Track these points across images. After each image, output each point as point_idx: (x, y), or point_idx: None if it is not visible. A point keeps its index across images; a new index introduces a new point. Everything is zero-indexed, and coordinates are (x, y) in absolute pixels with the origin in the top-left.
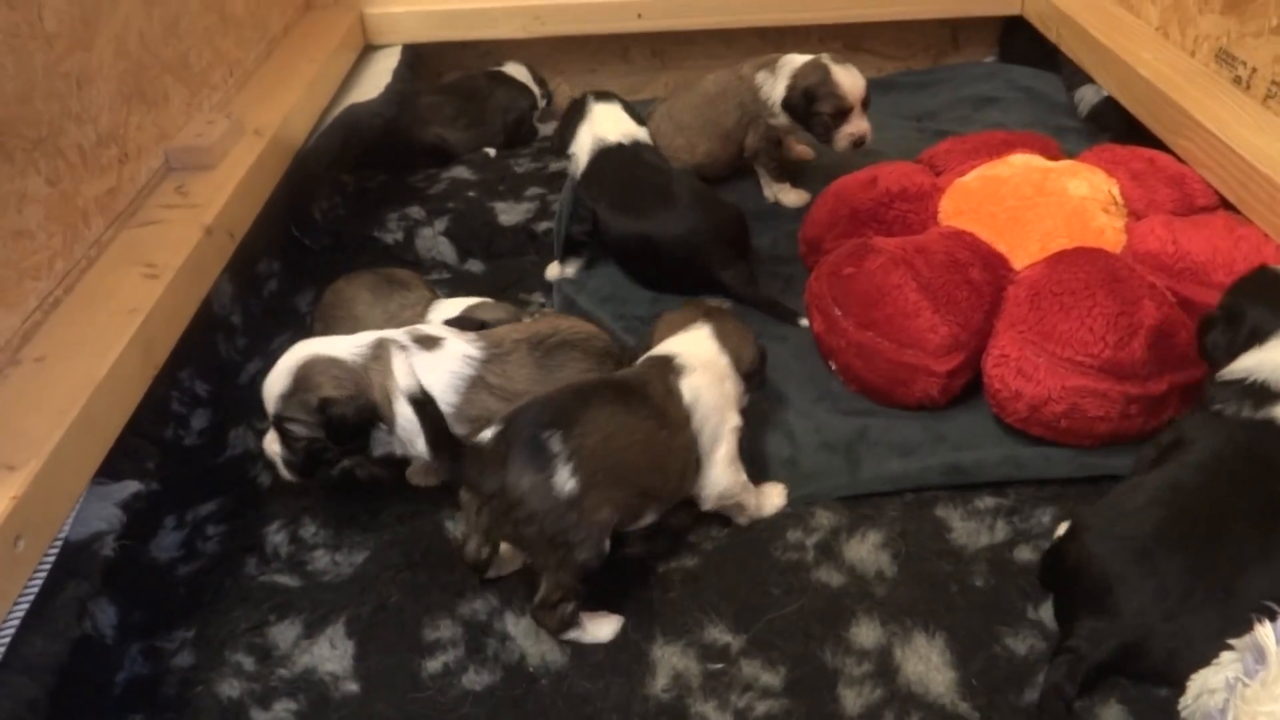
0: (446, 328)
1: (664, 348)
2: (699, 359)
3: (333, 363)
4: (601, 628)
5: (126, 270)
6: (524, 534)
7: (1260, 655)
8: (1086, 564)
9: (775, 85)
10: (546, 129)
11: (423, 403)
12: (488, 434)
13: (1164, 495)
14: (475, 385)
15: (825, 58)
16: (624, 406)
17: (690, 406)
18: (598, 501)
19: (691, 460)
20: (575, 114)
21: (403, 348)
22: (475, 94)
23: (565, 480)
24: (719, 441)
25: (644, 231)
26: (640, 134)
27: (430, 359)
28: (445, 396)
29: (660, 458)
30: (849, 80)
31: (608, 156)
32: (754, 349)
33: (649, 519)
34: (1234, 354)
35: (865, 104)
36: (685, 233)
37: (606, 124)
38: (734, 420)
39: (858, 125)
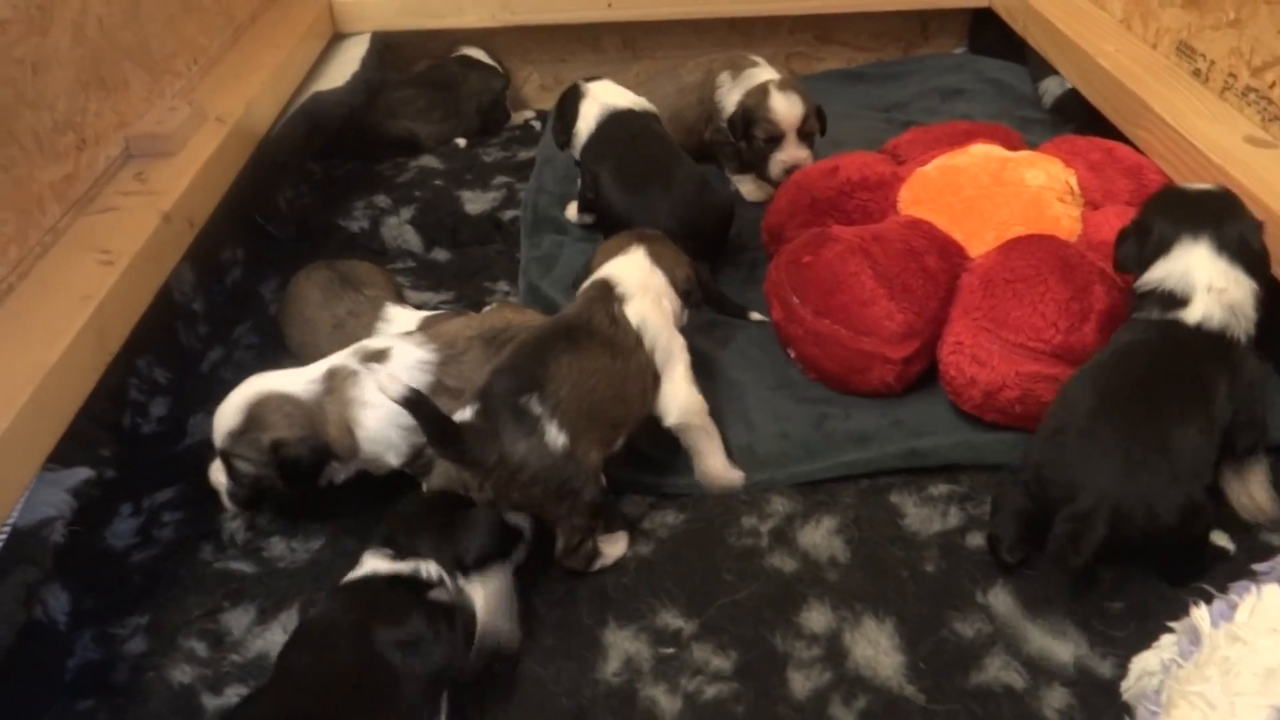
0: (393, 338)
1: (603, 272)
2: (637, 282)
3: (286, 400)
4: (616, 546)
5: (81, 257)
6: (531, 494)
7: (1195, 637)
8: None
9: (730, 97)
10: (518, 116)
11: (416, 402)
12: (467, 413)
13: (1087, 372)
14: (434, 391)
15: (774, 82)
16: (578, 352)
17: (640, 329)
18: (586, 446)
19: (649, 379)
20: (572, 96)
21: (353, 373)
22: (449, 83)
23: (556, 436)
24: (673, 358)
25: (637, 204)
26: (649, 105)
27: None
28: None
29: (620, 387)
30: (784, 106)
31: (617, 120)
32: (688, 268)
33: (618, 446)
34: (1144, 264)
35: (807, 133)
36: (674, 215)
37: (611, 94)
38: (680, 338)
39: (791, 153)
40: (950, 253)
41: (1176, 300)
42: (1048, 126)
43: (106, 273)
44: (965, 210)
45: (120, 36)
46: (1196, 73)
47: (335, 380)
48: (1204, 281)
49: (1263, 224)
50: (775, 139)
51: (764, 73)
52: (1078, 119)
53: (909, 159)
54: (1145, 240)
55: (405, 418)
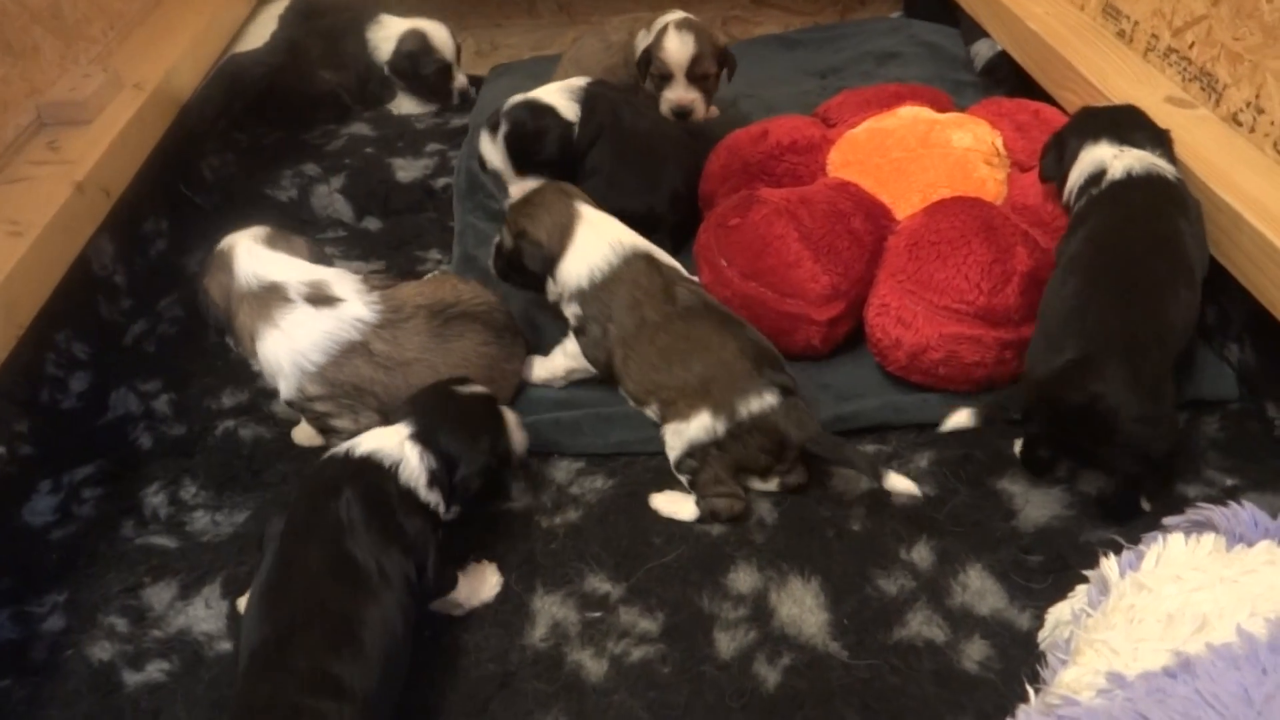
0: (348, 288)
1: (612, 239)
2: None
3: (229, 273)
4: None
5: None
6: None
7: (1104, 587)
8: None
9: (642, 45)
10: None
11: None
12: (773, 400)
13: (1070, 269)
14: (352, 350)
15: (675, 22)
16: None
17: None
18: None
19: None
20: (542, 112)
21: (288, 301)
22: (340, 33)
23: None
24: None
25: (646, 176)
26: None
27: (310, 315)
28: (310, 355)
29: None
30: (674, 46)
31: (597, 96)
32: None
33: None
34: (1063, 172)
35: (700, 75)
36: (681, 186)
37: (561, 84)
38: None
39: (678, 94)
40: (877, 215)
41: (1101, 174)
42: (980, 89)
43: (15, 244)
44: (892, 172)
45: (29, 0)
46: (1121, 34)
47: (270, 294)
48: (1110, 154)
49: (1168, 132)
50: (666, 78)
51: (675, 16)
52: (1009, 82)
53: (839, 122)
54: (1061, 151)
55: (303, 358)
